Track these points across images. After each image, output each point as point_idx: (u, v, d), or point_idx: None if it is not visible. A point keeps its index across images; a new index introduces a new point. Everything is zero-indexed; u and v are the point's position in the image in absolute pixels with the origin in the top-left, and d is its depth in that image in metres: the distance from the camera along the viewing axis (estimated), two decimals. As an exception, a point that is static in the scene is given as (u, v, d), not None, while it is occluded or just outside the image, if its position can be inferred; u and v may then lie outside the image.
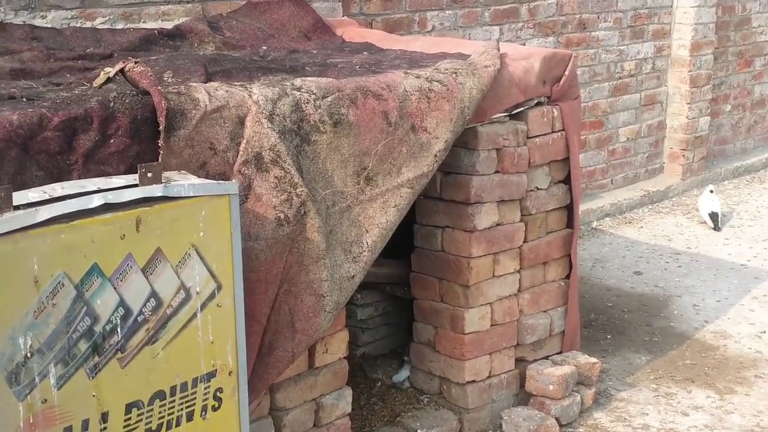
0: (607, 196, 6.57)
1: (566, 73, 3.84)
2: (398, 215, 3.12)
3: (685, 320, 4.73)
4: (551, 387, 3.65)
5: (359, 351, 4.06)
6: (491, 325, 3.66)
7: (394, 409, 3.67)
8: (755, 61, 7.74)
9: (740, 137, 7.83)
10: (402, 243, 3.78)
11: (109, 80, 2.68)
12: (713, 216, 6.15)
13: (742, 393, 3.96)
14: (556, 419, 3.60)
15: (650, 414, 3.79)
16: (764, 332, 4.55)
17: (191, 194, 2.28)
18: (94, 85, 2.68)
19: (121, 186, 2.23)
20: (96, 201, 2.12)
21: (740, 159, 7.65)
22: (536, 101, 3.77)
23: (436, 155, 3.23)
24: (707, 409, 3.83)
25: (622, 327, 4.64)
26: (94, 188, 2.19)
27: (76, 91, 2.64)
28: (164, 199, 2.24)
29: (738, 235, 6.03)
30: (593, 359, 3.84)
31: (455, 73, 3.37)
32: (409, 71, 3.31)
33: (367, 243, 3.02)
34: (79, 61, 3.20)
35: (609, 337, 4.53)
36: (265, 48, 3.80)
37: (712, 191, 6.28)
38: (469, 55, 3.61)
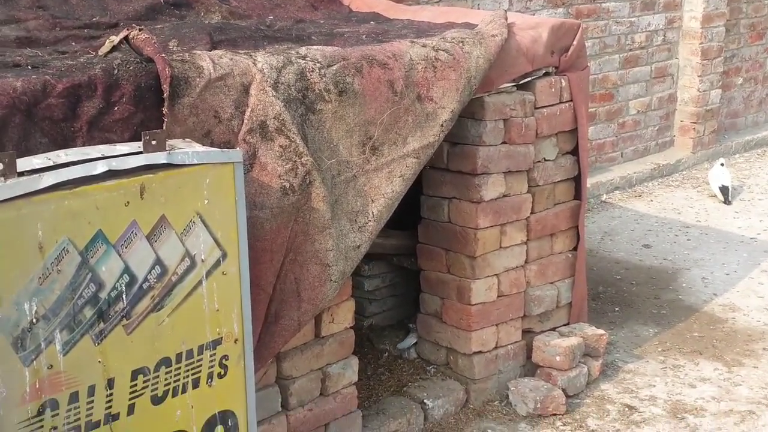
0: (616, 169, 6.53)
1: (574, 43, 3.81)
2: (404, 185, 3.11)
3: (693, 293, 4.71)
4: (558, 358, 3.65)
5: (366, 322, 4.06)
6: (498, 296, 3.66)
7: (401, 379, 3.68)
8: (767, 34, 7.65)
9: (752, 110, 7.76)
10: (409, 214, 3.77)
11: (114, 49, 2.67)
12: (723, 189, 6.11)
13: (750, 365, 3.95)
14: (563, 390, 3.60)
15: (657, 386, 3.78)
16: (773, 305, 4.54)
17: (195, 162, 2.27)
18: (100, 53, 2.67)
19: (125, 153, 2.22)
20: (100, 168, 2.12)
21: (751, 132, 7.59)
22: (544, 71, 3.74)
23: (442, 125, 3.21)
24: (715, 381, 3.83)
25: (630, 300, 4.63)
26: (98, 155, 2.19)
27: (81, 60, 2.62)
28: (168, 166, 2.23)
29: (748, 209, 5.99)
30: (600, 331, 3.84)
31: (462, 42, 3.34)
32: (415, 40, 3.29)
33: (372, 213, 3.01)
34: (85, 30, 3.18)
35: (617, 309, 4.52)
36: (271, 17, 3.77)
37: (722, 164, 6.24)
38: (477, 25, 3.58)
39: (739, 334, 4.25)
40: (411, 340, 3.86)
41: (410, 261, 3.89)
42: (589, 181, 6.17)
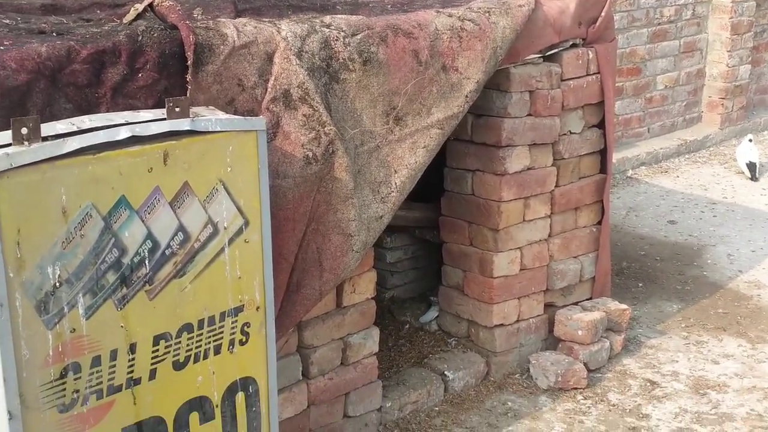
0: (643, 145, 6.46)
1: (602, 14, 3.75)
2: (427, 156, 3.09)
3: (718, 269, 4.67)
4: (580, 332, 3.63)
5: (388, 294, 4.06)
6: (520, 269, 3.64)
7: (421, 350, 3.68)
8: (800, 9, 7.51)
9: (782, 87, 7.64)
10: (432, 186, 3.76)
11: (139, 16, 2.66)
12: (751, 166, 6.04)
13: (774, 342, 3.93)
14: (584, 364, 3.58)
15: (680, 361, 3.76)
16: (800, 283, 4.49)
17: (218, 129, 2.27)
18: (124, 21, 2.66)
19: (149, 120, 2.22)
20: (123, 133, 2.11)
21: (781, 109, 7.48)
22: (571, 43, 3.69)
23: (467, 96, 3.18)
24: (738, 357, 3.80)
25: (654, 275, 4.59)
26: (122, 121, 2.19)
27: (106, 27, 2.62)
28: (192, 133, 2.23)
29: (776, 186, 5.92)
30: (623, 306, 3.81)
31: (488, 12, 3.30)
32: (441, 10, 3.25)
33: (395, 183, 2.99)
34: (110, -2, 3.17)
35: (641, 285, 4.49)
36: (296, -13, 3.74)
37: (750, 140, 6.15)
38: (504, -5, 3.53)
39: (763, 311, 4.21)
40: (432, 313, 3.85)
41: (432, 233, 3.88)
42: (615, 157, 6.10)
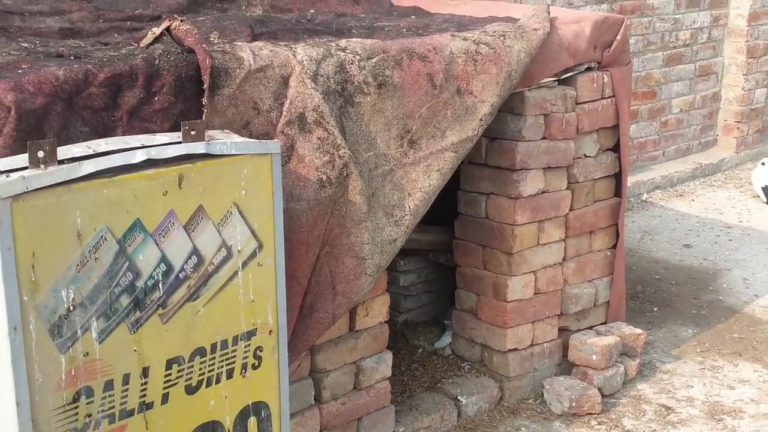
0: (658, 168, 6.44)
1: (618, 38, 3.75)
2: (441, 179, 3.09)
3: (734, 294, 4.63)
4: (594, 357, 3.60)
5: (401, 318, 4.05)
6: (534, 293, 3.62)
7: (435, 375, 3.66)
8: (816, 32, 7.49)
9: (798, 110, 7.60)
10: (446, 209, 3.75)
11: (156, 40, 2.68)
12: (766, 190, 6.00)
13: (791, 368, 3.89)
14: (599, 389, 3.55)
15: (695, 386, 3.72)
16: (816, 308, 4.45)
17: (233, 152, 2.27)
18: (142, 44, 2.68)
19: (164, 143, 2.23)
20: (139, 156, 2.12)
21: (797, 132, 7.44)
22: (586, 66, 3.69)
23: (481, 119, 3.18)
24: (754, 383, 3.76)
25: (669, 299, 4.56)
26: (138, 144, 2.20)
27: (123, 51, 2.64)
28: (207, 156, 2.24)
29: (792, 210, 5.88)
30: (638, 330, 3.79)
31: (503, 35, 3.31)
32: (456, 33, 3.26)
33: (409, 207, 2.99)
34: (128, 22, 3.21)
35: (656, 309, 4.46)
36: (312, 11, 3.77)
37: (764, 164, 6.12)
38: (519, 19, 3.54)
39: (780, 337, 4.18)
40: (447, 338, 3.84)
41: (446, 257, 3.86)
42: (630, 180, 6.09)
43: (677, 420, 3.48)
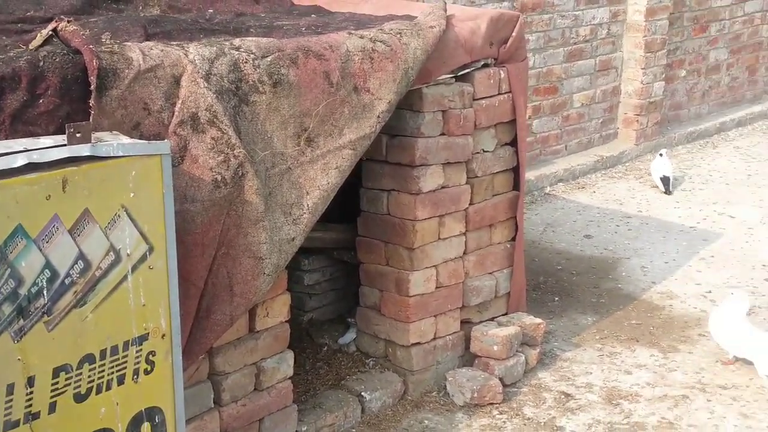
0: (560, 162, 6.59)
1: (513, 34, 3.82)
2: (340, 177, 3.11)
3: (632, 282, 4.78)
4: (495, 348, 3.67)
5: (306, 316, 4.05)
6: (436, 287, 3.67)
7: (339, 372, 3.68)
8: (711, 27, 7.77)
9: (695, 102, 7.88)
10: (349, 207, 3.77)
11: (46, 42, 2.61)
12: (665, 180, 6.21)
13: (685, 351, 4.02)
14: (500, 379, 3.63)
15: (594, 373, 3.83)
16: (710, 292, 4.62)
17: (121, 154, 2.24)
18: (30, 47, 2.61)
19: (48, 146, 2.17)
20: (20, 160, 2.07)
21: (694, 124, 7.71)
22: (483, 63, 3.75)
23: (378, 116, 3.21)
24: (650, 367, 3.89)
25: (570, 289, 4.68)
26: (20, 148, 2.14)
27: (11, 53, 2.56)
28: (93, 159, 2.19)
29: (689, 199, 6.09)
30: (538, 320, 3.88)
31: (400, 33, 3.34)
32: (353, 32, 3.28)
33: (307, 205, 3.00)
34: (18, 24, 3.10)
35: (557, 299, 4.57)
36: (211, 11, 3.72)
37: (661, 155, 6.33)
38: (417, 17, 3.58)
39: (675, 321, 4.32)
40: (351, 335, 3.85)
41: (350, 254, 3.88)
42: (533, 174, 6.24)
43: (576, 406, 3.57)
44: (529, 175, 6.25)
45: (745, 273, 4.85)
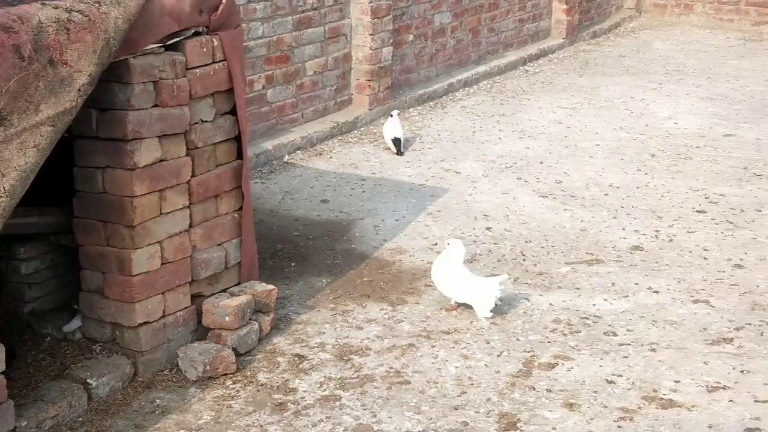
0: (297, 130, 6.64)
1: (224, 1, 3.78)
2: (40, 156, 2.94)
3: (365, 241, 4.94)
4: (227, 318, 3.66)
5: (26, 307, 3.80)
6: (162, 264, 3.58)
7: (64, 362, 3.50)
8: (435, -8, 8.12)
9: (423, 66, 8.22)
10: (65, 189, 3.58)
11: None
12: (396, 141, 6.45)
13: (412, 302, 4.22)
14: (234, 349, 3.62)
15: (327, 332, 3.93)
16: (436, 244, 4.87)
17: None
18: None
19: None
20: None
21: (424, 87, 8.04)
22: (194, 31, 3.68)
23: (79, 90, 3.07)
24: (380, 320, 4.05)
25: (306, 254, 4.76)
26: None
27: None
28: None
29: (419, 158, 6.37)
30: (270, 286, 3.90)
31: (98, 2, 3.20)
32: (46, 2, 3.09)
33: (4, 188, 2.81)
34: None
35: (293, 264, 4.63)
36: None
37: (392, 116, 6.56)
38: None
39: (404, 275, 4.52)
40: (76, 322, 3.68)
41: (69, 238, 3.69)
42: (271, 144, 6.25)
43: (309, 366, 3.65)
44: (267, 144, 6.27)
45: (468, 224, 5.16)
